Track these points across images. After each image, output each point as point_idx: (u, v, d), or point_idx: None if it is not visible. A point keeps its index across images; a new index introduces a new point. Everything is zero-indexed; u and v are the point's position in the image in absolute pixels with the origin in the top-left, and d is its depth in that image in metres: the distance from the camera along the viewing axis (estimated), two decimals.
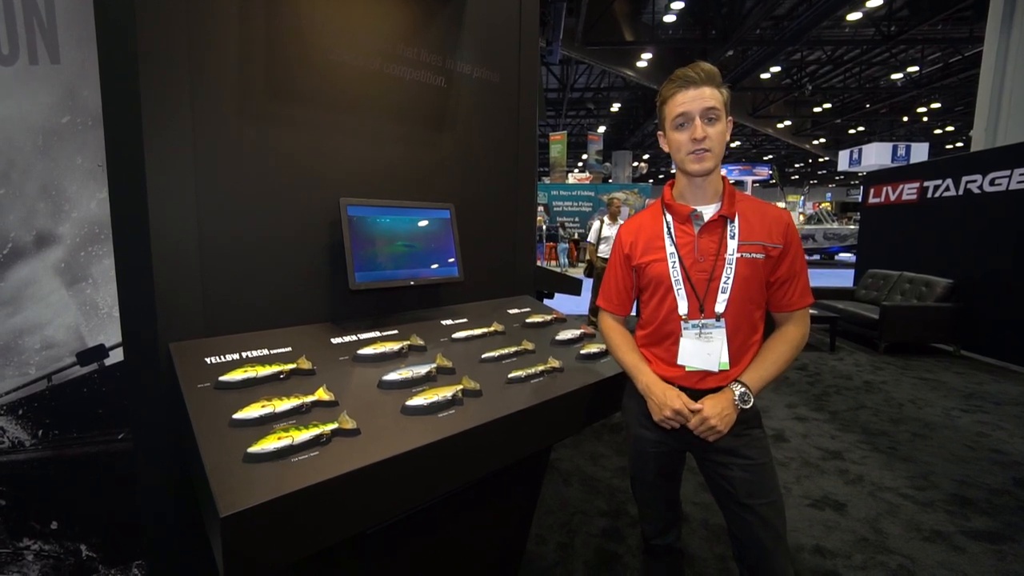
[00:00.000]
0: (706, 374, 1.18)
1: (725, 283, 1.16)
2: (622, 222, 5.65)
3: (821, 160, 27.48)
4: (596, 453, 2.96)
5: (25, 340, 1.20)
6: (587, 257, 6.08)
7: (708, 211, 1.20)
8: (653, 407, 1.20)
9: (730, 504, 1.22)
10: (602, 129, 21.88)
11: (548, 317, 1.70)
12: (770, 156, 30.42)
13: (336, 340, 1.29)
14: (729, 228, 1.18)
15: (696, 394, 1.18)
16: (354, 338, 1.31)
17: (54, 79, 1.13)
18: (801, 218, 12.26)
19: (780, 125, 21.17)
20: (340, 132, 1.40)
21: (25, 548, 1.30)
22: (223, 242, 1.20)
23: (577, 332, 1.63)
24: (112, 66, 1.09)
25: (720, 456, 1.20)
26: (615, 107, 20.12)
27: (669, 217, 1.26)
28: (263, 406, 0.94)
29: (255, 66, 1.23)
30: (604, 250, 5.62)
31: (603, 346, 1.56)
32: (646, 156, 28.86)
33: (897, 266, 5.74)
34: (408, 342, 1.31)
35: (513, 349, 1.41)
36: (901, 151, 15.26)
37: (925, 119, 20.12)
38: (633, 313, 1.38)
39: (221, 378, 1.01)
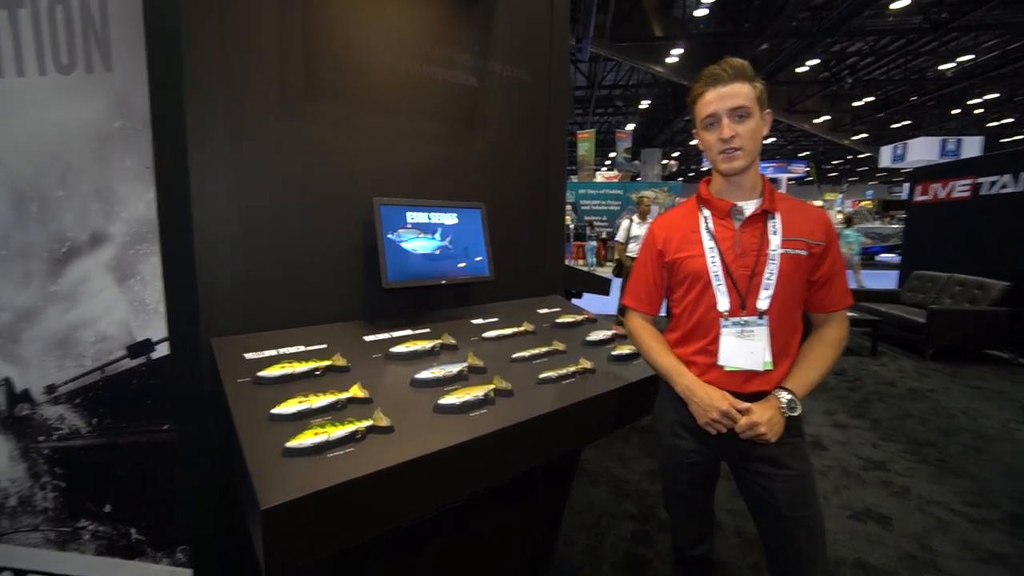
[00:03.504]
0: (750, 375, 1.15)
1: (768, 279, 1.12)
2: (650, 219, 5.58)
3: (861, 156, 26.34)
4: (624, 455, 2.92)
5: (81, 334, 1.26)
6: (616, 256, 6.01)
7: (748, 207, 1.17)
8: (697, 410, 1.17)
9: (768, 516, 1.18)
10: (631, 127, 21.58)
11: (579, 317, 1.69)
12: (807, 153, 29.38)
13: (369, 338, 1.31)
14: (771, 223, 1.14)
15: (738, 397, 1.15)
16: (387, 336, 1.33)
17: (107, 86, 1.18)
18: (839, 217, 11.78)
19: (817, 120, 20.39)
20: (374, 132, 1.42)
21: (82, 528, 1.38)
22: (262, 240, 1.24)
23: (608, 333, 1.61)
24: (159, 72, 1.14)
25: (760, 465, 1.16)
26: (644, 104, 19.80)
27: (707, 212, 1.22)
28: (300, 402, 0.96)
29: (292, 68, 1.26)
30: (633, 249, 5.54)
31: (633, 349, 1.54)
32: (676, 153, 28.32)
33: (946, 267, 5.44)
34: (440, 341, 1.32)
35: (544, 349, 1.40)
36: (951, 145, 14.46)
37: (979, 111, 19.02)
38: (663, 313, 1.35)
39: (260, 374, 1.04)
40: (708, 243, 1.20)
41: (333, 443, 0.88)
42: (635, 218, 5.67)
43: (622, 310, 5.39)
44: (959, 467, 2.80)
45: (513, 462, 1.12)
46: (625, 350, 1.51)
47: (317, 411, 0.96)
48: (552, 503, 1.58)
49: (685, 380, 1.20)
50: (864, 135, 23.46)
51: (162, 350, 1.23)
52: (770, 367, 1.13)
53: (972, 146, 14.39)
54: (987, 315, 4.69)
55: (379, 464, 0.86)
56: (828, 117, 20.23)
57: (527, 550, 1.58)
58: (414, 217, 1.42)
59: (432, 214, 1.46)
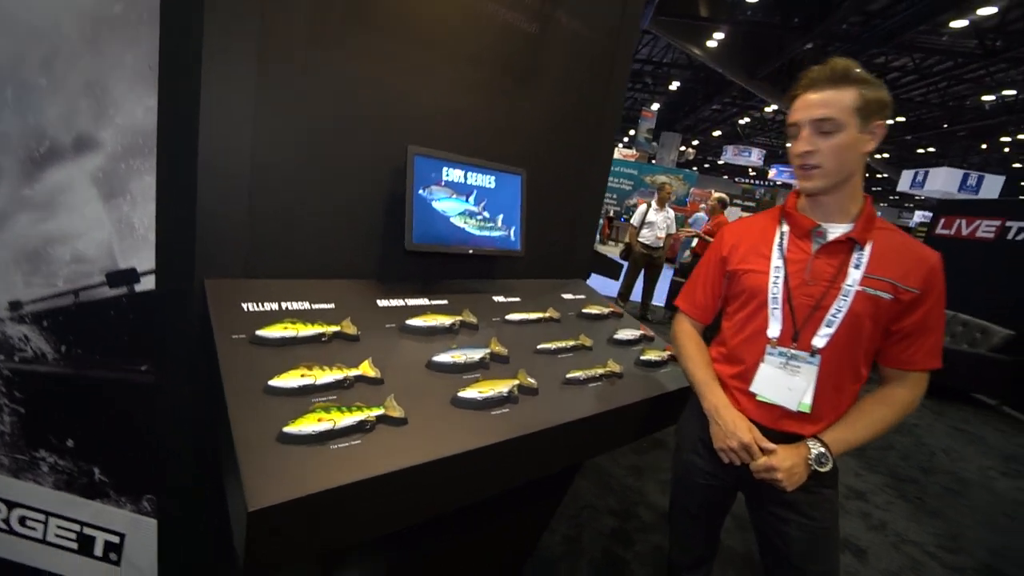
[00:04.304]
0: (782, 413, 1.03)
1: (833, 316, 0.99)
2: (670, 209, 5.40)
3: (879, 176, 26.01)
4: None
5: (55, 249, 1.10)
6: (626, 239, 5.86)
7: (834, 231, 1.02)
8: (717, 433, 1.07)
9: (779, 562, 1.09)
10: (656, 106, 20.92)
11: (605, 310, 1.55)
12: None
13: (382, 303, 1.17)
14: (856, 255, 1.00)
15: (767, 434, 1.04)
16: (401, 303, 1.19)
17: None
18: None
19: None
20: (417, 70, 1.23)
21: (41, 459, 1.26)
22: (276, 174, 1.07)
23: (636, 333, 1.48)
24: None
25: (780, 508, 1.07)
26: (674, 85, 19.12)
27: (785, 227, 1.08)
28: (303, 375, 0.82)
29: None
30: (646, 235, 5.38)
31: (664, 354, 1.42)
32: (695, 142, 27.67)
33: (954, 305, 5.36)
34: (460, 318, 1.18)
35: (570, 343, 1.27)
36: (972, 180, 14.22)
37: (1007, 149, 18.72)
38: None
39: (258, 332, 0.90)
40: (776, 261, 1.06)
41: (337, 432, 0.75)
42: (654, 204, 5.48)
43: (624, 294, 5.27)
44: (937, 508, 2.80)
45: (527, 468, 1.01)
46: (653, 355, 1.39)
47: (321, 388, 0.83)
48: (548, 502, 1.49)
49: (714, 399, 1.09)
50: (886, 155, 23.10)
51: (148, 283, 1.07)
52: (807, 410, 1.01)
53: (994, 184, 14.17)
54: (985, 360, 4.66)
55: (388, 465, 0.74)
56: None
57: (513, 544, 1.51)
58: (449, 174, 1.25)
59: (470, 173, 1.29)
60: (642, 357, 1.36)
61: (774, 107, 15.43)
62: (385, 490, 0.74)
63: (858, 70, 0.93)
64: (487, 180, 1.33)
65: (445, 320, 1.14)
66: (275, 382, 0.79)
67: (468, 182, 1.29)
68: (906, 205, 32.29)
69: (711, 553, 1.29)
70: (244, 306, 0.98)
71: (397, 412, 0.82)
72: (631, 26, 1.71)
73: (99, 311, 1.12)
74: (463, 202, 1.28)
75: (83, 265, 1.10)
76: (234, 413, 0.72)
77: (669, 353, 1.43)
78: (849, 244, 1.00)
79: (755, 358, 1.06)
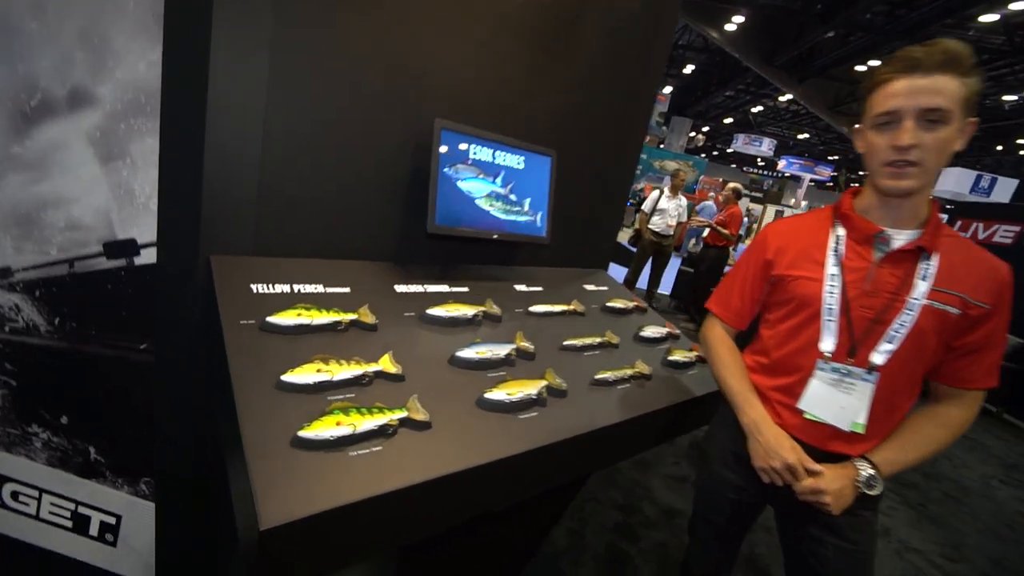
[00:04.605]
0: (831, 432, 0.96)
1: (896, 331, 0.91)
2: (683, 196, 5.28)
3: None
4: None
5: (48, 214, 1.01)
6: (635, 225, 5.74)
7: (900, 238, 0.93)
8: (757, 451, 1.00)
9: None
10: (668, 89, 20.45)
11: (629, 304, 1.48)
12: (836, 157, 28.54)
13: (400, 288, 1.08)
14: (923, 265, 0.91)
15: (812, 454, 0.97)
16: (420, 289, 1.11)
17: None
18: None
19: (857, 126, 19.54)
20: (447, 39, 1.12)
21: (34, 434, 1.20)
22: (290, 143, 0.98)
23: (662, 330, 1.41)
24: None
25: (817, 529, 1.01)
26: (688, 69, 18.65)
27: (841, 231, 0.99)
28: (318, 369, 0.75)
29: None
30: (657, 222, 5.27)
31: (691, 354, 1.35)
32: (706, 128, 27.19)
33: None
34: (483, 308, 1.10)
35: (597, 340, 1.20)
36: (985, 182, 14.01)
37: (1022, 152, 18.42)
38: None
39: (269, 318, 0.82)
40: (832, 268, 0.97)
41: (358, 437, 0.68)
42: (666, 191, 5.35)
43: (631, 282, 5.15)
44: (939, 516, 2.78)
45: (553, 475, 0.94)
46: (680, 356, 1.32)
47: (338, 384, 0.75)
48: (561, 502, 1.44)
49: (754, 414, 1.02)
50: None
51: (148, 256, 0.99)
52: (860, 430, 0.94)
53: (1006, 188, 13.95)
54: None
55: (414, 476, 0.67)
56: None
57: (519, 543, 1.46)
58: (477, 152, 1.15)
59: (498, 152, 1.19)
60: (669, 358, 1.29)
61: (788, 96, 15.09)
62: (408, 501, 0.67)
63: (971, 56, 0.82)
64: (516, 160, 1.23)
65: (467, 311, 1.06)
66: (288, 377, 0.72)
67: (496, 161, 1.19)
68: None
69: (730, 564, 1.24)
70: (253, 287, 0.89)
71: (421, 415, 0.75)
72: (672, 4, 1.59)
73: (95, 283, 1.04)
74: (490, 183, 1.18)
75: (78, 233, 1.01)
76: (244, 412, 0.65)
77: (696, 354, 1.36)
78: (916, 253, 0.91)
79: (804, 372, 0.99)
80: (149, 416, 1.10)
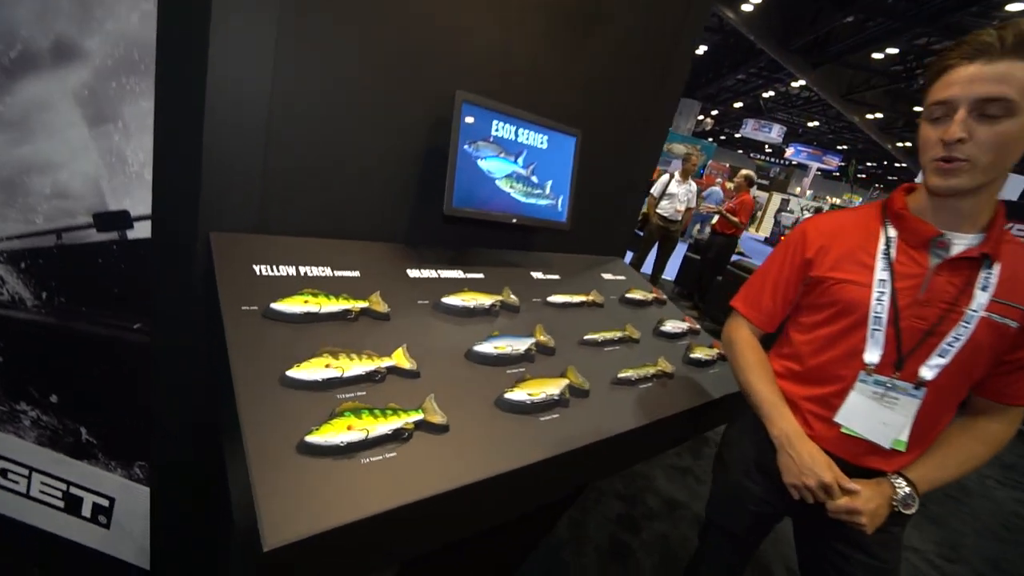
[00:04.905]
0: (869, 448, 0.91)
1: (950, 344, 0.84)
2: (693, 182, 5.16)
3: (898, 165, 25.36)
4: None
5: (33, 180, 0.93)
6: (643, 210, 5.64)
7: (960, 243, 0.85)
8: (789, 466, 0.93)
9: None
10: None
11: (648, 296, 1.41)
12: (844, 147, 28.11)
13: (413, 273, 1.01)
14: (984, 274, 0.83)
15: (844, 468, 0.91)
16: (434, 274, 1.04)
17: None
18: None
19: (870, 116, 19.15)
20: (470, 5, 1.03)
21: (22, 412, 1.14)
22: (300, 111, 0.89)
23: (683, 325, 1.34)
24: None
25: (842, 545, 0.96)
26: (700, 49, 18.17)
27: (892, 232, 0.91)
28: (327, 364, 0.68)
29: None
30: (666, 207, 5.16)
31: (712, 352, 1.28)
32: (715, 112, 26.69)
33: None
34: (500, 298, 1.03)
35: (617, 335, 1.13)
36: None
37: None
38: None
39: (274, 305, 0.75)
40: (881, 273, 0.89)
41: (370, 443, 0.62)
42: (677, 175, 5.23)
43: (633, 267, 5.07)
44: (938, 515, 2.77)
45: (572, 479, 0.89)
46: (702, 353, 1.25)
47: (348, 381, 0.69)
48: (567, 500, 1.40)
49: (785, 426, 0.95)
50: (910, 143, 22.45)
51: (142, 230, 0.91)
52: (902, 448, 0.88)
53: (1016, 185, 13.78)
54: None
55: (432, 486, 0.61)
56: (881, 115, 19.01)
57: (528, 535, 1.43)
58: (499, 129, 1.07)
59: (521, 130, 1.11)
60: (691, 355, 1.23)
61: (801, 82, 14.74)
62: (424, 513, 0.62)
63: None
64: (539, 140, 1.15)
65: (484, 300, 0.99)
66: (295, 373, 0.65)
67: (519, 140, 1.11)
68: None
69: (743, 567, 1.20)
70: (256, 269, 0.82)
71: (438, 417, 0.69)
72: None
73: (85, 257, 0.96)
74: (511, 163, 1.10)
75: (66, 202, 0.93)
76: (246, 414, 0.58)
77: (717, 352, 1.30)
78: (978, 261, 0.84)
79: (842, 384, 0.92)
80: (144, 400, 1.04)
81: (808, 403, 0.97)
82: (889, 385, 0.88)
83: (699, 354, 1.24)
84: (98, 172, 0.90)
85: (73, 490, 1.19)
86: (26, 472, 1.20)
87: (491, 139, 1.05)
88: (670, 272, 6.11)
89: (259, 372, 0.64)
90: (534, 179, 1.15)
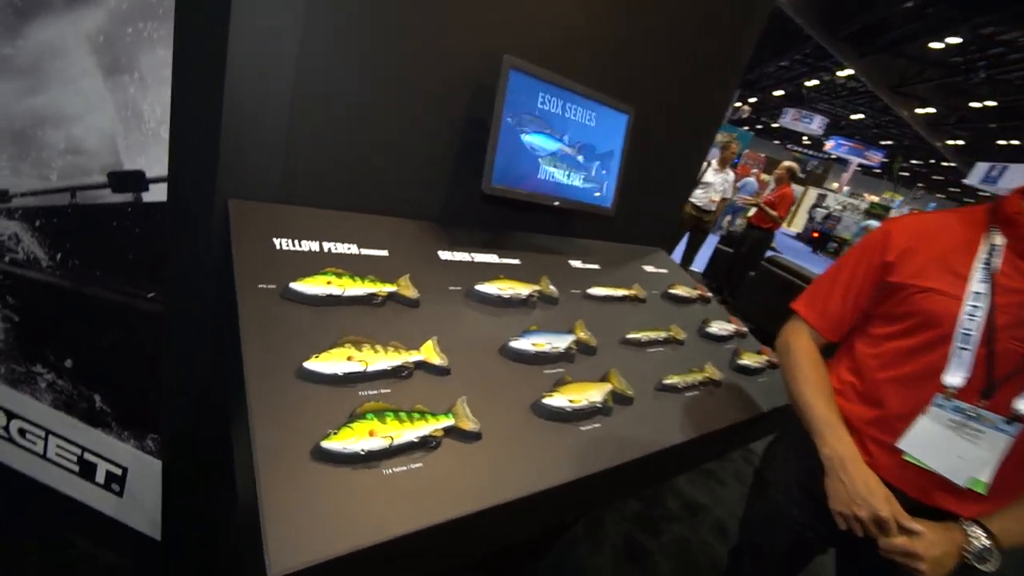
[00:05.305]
0: (939, 483, 0.80)
1: None
2: (730, 171, 4.92)
3: (944, 164, 24.04)
4: None
5: (47, 133, 0.87)
6: None
7: None
8: (839, 493, 0.83)
9: None
10: None
11: (692, 292, 1.30)
12: (889, 142, 26.75)
13: (445, 255, 0.93)
14: None
15: (908, 504, 0.81)
16: (467, 257, 0.95)
17: None
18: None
19: (920, 110, 18.09)
20: None
21: (38, 374, 1.11)
22: (330, 70, 0.80)
23: (729, 327, 1.24)
24: None
25: None
26: None
27: (999, 239, 0.79)
28: (349, 357, 0.61)
29: None
30: (699, 195, 4.96)
31: (761, 358, 1.18)
32: (753, 99, 25.65)
33: None
34: (538, 287, 0.94)
35: (662, 335, 1.04)
36: (995, 172, 12.91)
37: None
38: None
39: (293, 285, 0.67)
40: (977, 284, 0.77)
41: (395, 451, 0.54)
42: (714, 163, 5.01)
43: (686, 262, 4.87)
44: None
45: (607, 496, 0.81)
46: (750, 360, 1.15)
47: (372, 376, 0.61)
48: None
49: (839, 447, 0.84)
50: (960, 142, 21.24)
51: (158, 193, 0.85)
52: (980, 489, 0.77)
53: (1017, 174, 12.83)
54: None
55: (461, 504, 0.53)
56: (933, 110, 17.95)
57: (547, 533, 1.36)
58: (547, 102, 0.96)
59: (569, 105, 1.00)
60: (738, 361, 1.13)
61: (848, 72, 13.97)
62: (450, 533, 0.54)
63: None
64: (588, 116, 1.04)
65: (521, 290, 0.90)
66: (313, 364, 0.58)
67: (566, 115, 1.00)
68: (965, 200, 30.18)
69: None
70: (276, 242, 0.75)
71: (470, 424, 0.61)
72: None
73: (100, 219, 0.91)
74: (557, 140, 1.00)
75: (80, 158, 0.87)
76: (257, 409, 0.51)
77: (767, 358, 1.19)
78: None
79: (912, 405, 0.81)
80: (156, 372, 1.00)
81: (868, 425, 0.86)
82: (972, 414, 0.77)
83: (747, 360, 1.14)
84: (113, 127, 0.83)
85: (88, 456, 1.17)
86: (43, 434, 1.18)
87: (537, 112, 0.94)
88: (699, 264, 5.91)
89: (274, 363, 0.57)
90: (580, 159, 1.04)
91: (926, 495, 0.81)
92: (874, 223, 8.29)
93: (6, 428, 1.20)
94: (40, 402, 1.14)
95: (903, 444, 0.82)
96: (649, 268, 1.33)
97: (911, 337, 0.83)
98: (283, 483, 0.47)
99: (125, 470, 1.16)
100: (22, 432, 1.20)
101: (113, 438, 1.12)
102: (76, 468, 1.19)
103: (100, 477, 1.19)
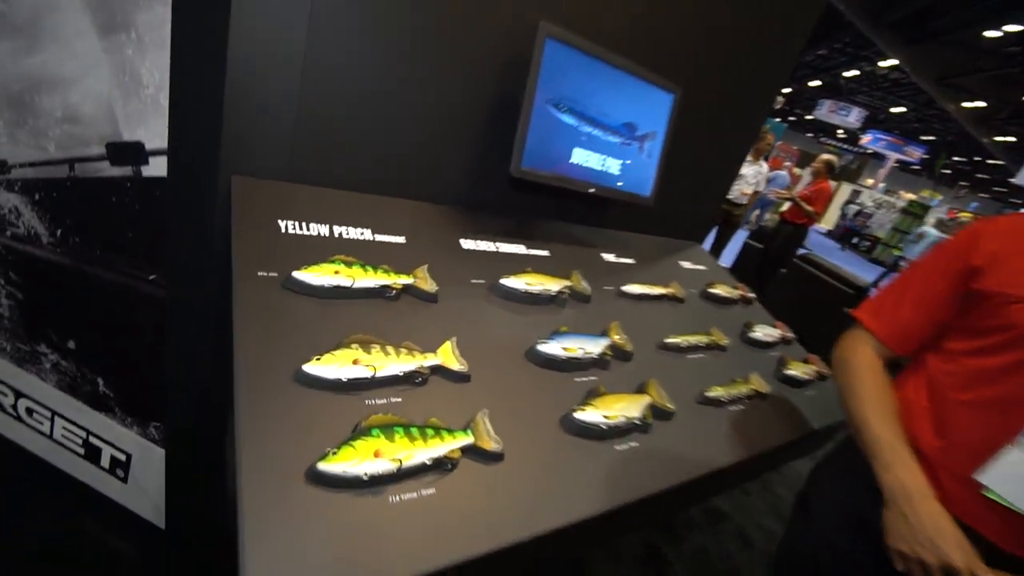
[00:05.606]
0: (1021, 524, 0.69)
1: None
2: (764, 163, 4.70)
3: (990, 162, 22.87)
4: None
5: (43, 99, 0.81)
6: None
7: None
8: (900, 530, 0.71)
9: None
10: None
11: (734, 293, 1.19)
12: (931, 138, 25.52)
13: (467, 244, 0.84)
14: None
15: (985, 551, 0.69)
16: (491, 247, 0.87)
17: None
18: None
19: (967, 104, 17.14)
20: None
21: (43, 354, 1.08)
22: (344, 36, 0.71)
23: (774, 332, 1.13)
24: None
25: None
26: None
27: None
28: (356, 360, 0.52)
29: None
30: (731, 187, 4.75)
31: (809, 369, 1.07)
32: (787, 90, 24.72)
33: None
34: (568, 283, 0.85)
35: (703, 340, 0.94)
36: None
37: None
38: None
39: (297, 273, 0.59)
40: None
41: (403, 474, 0.46)
42: (748, 155, 4.78)
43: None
44: None
45: (642, 522, 0.72)
46: (797, 370, 1.04)
47: (380, 382, 0.53)
48: None
49: (907, 477, 0.72)
50: (1012, 138, 20.11)
51: (158, 167, 0.78)
52: None
53: None
54: None
55: (474, 543, 0.45)
56: (983, 104, 16.99)
57: None
58: (586, 76, 0.85)
59: (611, 80, 0.89)
60: (785, 371, 1.02)
61: (892, 62, 13.27)
62: (464, 571, 0.46)
63: None
64: (631, 94, 0.93)
65: (551, 285, 0.81)
66: (314, 368, 0.50)
67: (607, 93, 0.89)
68: (1011, 200, 28.72)
69: None
70: (281, 224, 0.67)
71: (491, 443, 0.53)
72: None
73: (99, 193, 0.84)
74: (596, 120, 0.89)
75: (77, 127, 0.80)
76: (246, 418, 0.44)
77: (815, 369, 1.08)
78: None
79: (997, 433, 0.70)
80: (158, 361, 0.94)
81: (940, 454, 0.75)
82: None
83: (794, 371, 1.03)
84: (111, 93, 0.76)
85: (92, 439, 1.14)
86: (49, 415, 1.15)
87: (574, 88, 0.84)
88: (725, 260, 5.72)
89: (269, 362, 0.50)
90: (619, 142, 0.94)
91: (1009, 542, 0.70)
92: (931, 231, 7.89)
93: (14, 407, 1.18)
94: (46, 383, 1.10)
95: (984, 478, 0.71)
96: (686, 264, 1.22)
97: (1001, 354, 0.71)
98: (270, 510, 0.40)
99: (129, 456, 1.12)
100: (29, 411, 1.17)
101: (117, 423, 1.07)
102: (81, 451, 1.16)
103: (105, 461, 1.16)
